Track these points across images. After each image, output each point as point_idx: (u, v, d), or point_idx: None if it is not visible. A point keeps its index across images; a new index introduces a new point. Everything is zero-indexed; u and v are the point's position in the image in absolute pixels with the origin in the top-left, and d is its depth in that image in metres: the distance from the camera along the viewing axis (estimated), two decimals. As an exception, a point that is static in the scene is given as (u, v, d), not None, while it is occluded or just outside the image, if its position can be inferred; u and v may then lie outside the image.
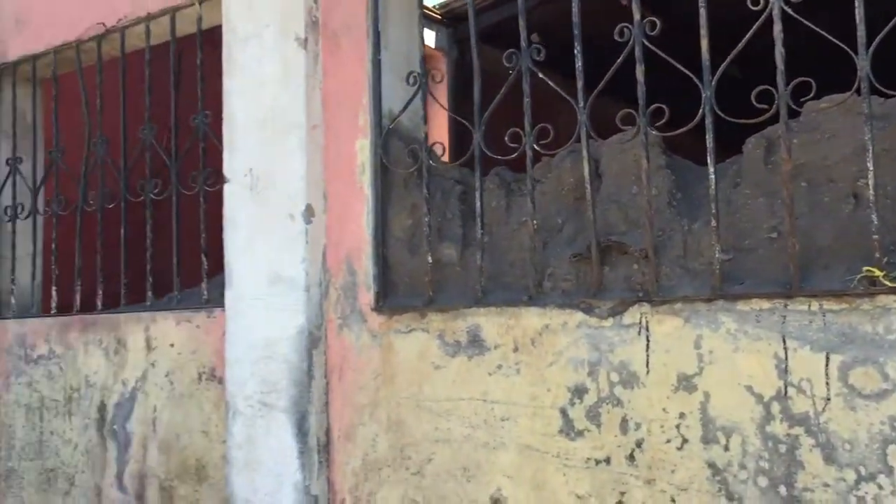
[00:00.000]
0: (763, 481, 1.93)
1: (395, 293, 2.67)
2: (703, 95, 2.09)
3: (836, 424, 1.84)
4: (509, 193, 2.55)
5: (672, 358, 2.06)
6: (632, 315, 2.14)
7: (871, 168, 1.85)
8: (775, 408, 1.92)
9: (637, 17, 2.21)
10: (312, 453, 2.68)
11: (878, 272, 1.80)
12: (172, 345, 3.14)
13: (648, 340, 2.10)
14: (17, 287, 3.74)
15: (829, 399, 1.85)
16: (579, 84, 2.31)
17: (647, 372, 2.10)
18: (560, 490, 2.22)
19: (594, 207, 2.27)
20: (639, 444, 2.10)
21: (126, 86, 3.40)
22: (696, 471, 2.02)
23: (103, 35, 3.45)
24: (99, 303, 3.42)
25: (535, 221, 2.38)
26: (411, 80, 2.66)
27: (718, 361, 2.00)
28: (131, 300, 3.40)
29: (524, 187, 2.50)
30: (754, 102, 1.99)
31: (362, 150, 2.73)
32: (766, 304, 1.94)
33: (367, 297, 2.68)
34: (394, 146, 2.72)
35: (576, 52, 2.32)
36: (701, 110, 2.09)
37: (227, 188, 2.94)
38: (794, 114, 2.01)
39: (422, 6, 2.74)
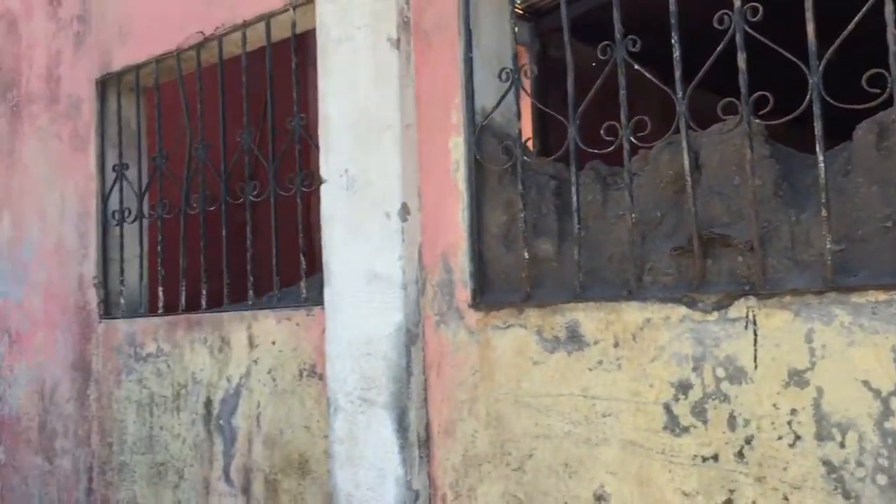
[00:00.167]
0: (882, 479, 1.86)
1: (491, 289, 2.68)
2: (811, 81, 2.03)
3: (962, 421, 1.76)
4: (605, 187, 2.53)
5: (782, 352, 2.01)
6: (738, 309, 2.09)
7: None
8: (895, 403, 1.84)
9: (738, 3, 2.16)
10: (413, 448, 2.72)
11: None
12: (274, 342, 3.23)
13: (756, 335, 2.05)
14: (125, 288, 3.90)
15: (953, 394, 1.78)
16: (677, 74, 2.27)
17: (756, 367, 2.05)
18: (666, 487, 2.19)
19: (695, 199, 2.23)
20: (748, 441, 2.06)
21: (224, 92, 3.51)
22: (810, 468, 1.96)
23: (202, 43, 3.57)
24: (203, 302, 3.54)
25: (633, 215, 2.35)
26: (503, 77, 2.66)
27: (832, 356, 1.94)
28: (233, 299, 3.51)
29: (620, 181, 2.48)
30: (865, 87, 1.92)
31: (456, 147, 2.74)
32: (882, 296, 1.87)
33: (463, 293, 2.69)
34: (487, 143, 2.72)
35: (673, 41, 2.28)
36: (808, 96, 2.02)
37: (323, 188, 3.00)
38: (906, 97, 1.93)
39: (513, 2, 2.73)
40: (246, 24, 3.40)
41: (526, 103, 3.08)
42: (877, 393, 1.87)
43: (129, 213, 3.88)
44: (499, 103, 2.68)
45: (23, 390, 4.37)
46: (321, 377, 3.03)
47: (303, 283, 3.22)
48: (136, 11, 3.90)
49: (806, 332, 1.98)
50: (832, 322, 1.94)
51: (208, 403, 3.44)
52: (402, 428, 2.74)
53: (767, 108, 2.09)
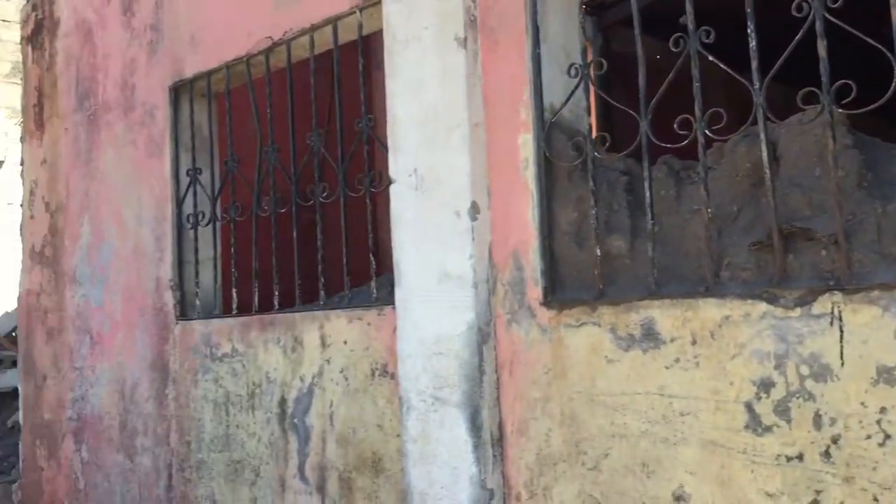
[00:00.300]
0: (980, 481, 1.79)
1: (563, 287, 2.66)
2: (896, 68, 1.95)
3: None
4: (679, 182, 2.49)
5: (870, 349, 1.95)
6: (822, 304, 2.03)
7: None
8: None
9: (817, -11, 2.09)
10: (486, 447, 2.72)
11: None
12: (345, 342, 3.26)
13: (842, 331, 1.99)
14: (200, 290, 4.00)
15: None
16: (754, 64, 2.22)
17: (842, 364, 1.99)
18: (748, 487, 2.14)
19: (774, 193, 2.17)
20: (835, 441, 1.99)
21: (293, 95, 3.56)
22: (901, 469, 1.90)
23: (271, 48, 3.62)
24: (276, 303, 3.60)
25: (709, 209, 2.30)
26: (572, 73, 2.63)
27: (923, 352, 1.87)
28: (305, 300, 3.56)
29: (695, 175, 2.43)
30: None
31: (525, 145, 2.73)
32: (977, 290, 1.80)
33: (535, 291, 2.68)
34: (557, 139, 2.70)
35: (749, 31, 2.22)
36: (894, 84, 1.95)
37: (392, 189, 3.02)
38: None
39: (581, -4, 2.70)
40: (313, 28, 3.44)
41: (591, 99, 3.05)
42: (973, 391, 1.80)
43: (203, 216, 3.97)
44: (568, 99, 2.65)
45: (104, 390, 4.51)
46: (393, 376, 3.05)
47: (373, 283, 3.24)
48: (207, 19, 3.98)
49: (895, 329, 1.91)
50: (923, 317, 1.87)
51: (282, 402, 3.49)
52: (475, 427, 2.74)
53: (851, 97, 2.03)
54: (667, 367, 2.32)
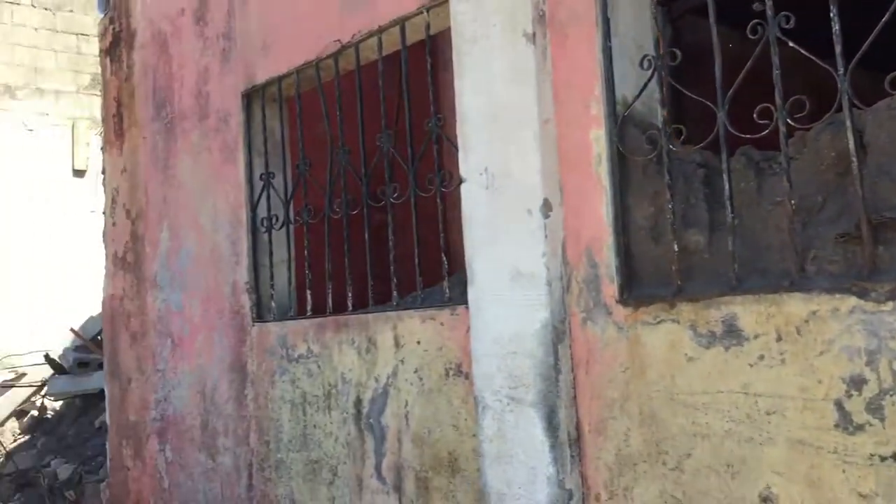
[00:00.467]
0: None
1: (639, 284, 2.61)
2: None
3: None
4: (759, 173, 2.41)
5: (970, 344, 1.85)
6: (916, 298, 1.94)
7: None
8: None
9: (904, -33, 2.00)
10: (564, 447, 2.68)
11: None
12: (419, 342, 3.26)
13: (939, 325, 1.90)
14: (276, 292, 4.06)
15: None
16: (838, 49, 2.13)
17: (939, 360, 1.89)
18: (839, 488, 2.06)
19: (862, 182, 2.08)
20: (933, 440, 1.90)
21: (362, 97, 3.58)
22: None
23: (339, 51, 3.65)
24: (349, 304, 3.63)
25: (792, 201, 2.22)
26: (645, 65, 2.58)
27: None
28: (378, 300, 3.57)
29: (776, 165, 2.35)
30: None
31: (597, 140, 2.68)
32: None
33: (610, 288, 2.63)
34: (630, 134, 2.65)
35: (832, 14, 2.14)
36: None
37: (463, 188, 3.01)
38: None
39: (654, -14, 2.64)
40: (381, 30, 3.46)
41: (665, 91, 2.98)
42: None
43: (277, 219, 4.03)
44: (641, 92, 2.60)
45: (186, 391, 4.63)
46: (467, 376, 3.04)
47: (445, 283, 3.24)
48: (277, 25, 4.04)
49: None
50: None
51: (358, 402, 3.52)
52: (551, 426, 2.70)
53: (943, 79, 1.93)
54: (751, 365, 2.25)
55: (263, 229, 4.10)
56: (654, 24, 2.59)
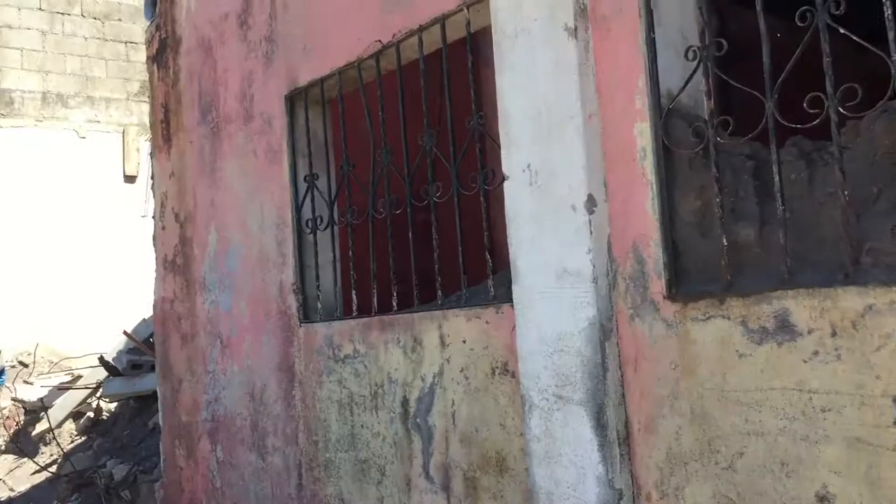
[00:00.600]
0: None
1: (687, 279, 2.56)
2: None
3: None
4: (810, 164, 2.34)
5: None
6: (979, 290, 1.87)
7: None
8: None
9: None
10: (613, 446, 2.64)
11: None
12: (465, 341, 3.25)
13: None
14: (321, 293, 4.08)
15: None
16: (890, 35, 2.06)
17: None
18: (900, 488, 1.99)
19: (919, 171, 2.01)
20: None
21: (404, 96, 3.58)
22: None
23: (380, 51, 3.66)
24: (394, 303, 3.63)
25: (845, 192, 2.16)
26: (690, 55, 2.53)
27: None
28: (422, 300, 3.57)
29: (827, 156, 2.28)
30: None
31: (642, 134, 2.64)
32: None
33: (658, 285, 2.58)
34: (675, 126, 2.60)
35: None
36: None
37: (506, 185, 2.99)
38: None
39: (697, -25, 2.59)
40: (421, 29, 3.45)
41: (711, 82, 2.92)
42: None
43: (321, 220, 4.05)
44: (686, 83, 2.55)
45: (235, 392, 4.68)
46: (513, 375, 3.02)
47: (490, 281, 3.22)
48: (319, 27, 4.06)
49: None
50: None
51: (405, 402, 3.52)
52: (600, 425, 2.67)
53: None
54: (804, 361, 2.19)
55: (308, 230, 4.12)
56: (698, 14, 2.54)
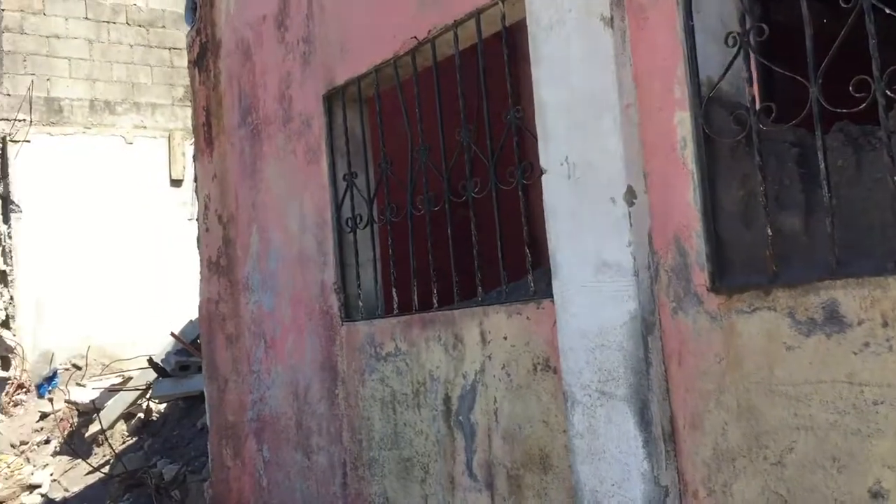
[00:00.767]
0: None
1: (731, 271, 2.50)
2: None
3: None
4: (857, 150, 2.27)
5: None
6: None
7: None
8: None
9: None
10: (658, 442, 2.60)
11: None
12: (505, 337, 3.22)
13: None
14: (362, 291, 4.08)
15: None
16: (940, 12, 1.99)
17: None
18: (958, 484, 1.92)
19: (973, 153, 1.93)
20: None
21: (440, 92, 3.56)
22: None
23: (416, 48, 3.64)
24: (435, 301, 3.61)
25: (894, 178, 2.08)
26: (730, 42, 2.47)
27: None
28: (462, 296, 3.55)
29: (875, 141, 2.21)
30: None
31: (681, 123, 2.58)
32: None
33: (700, 277, 2.53)
34: (716, 115, 2.54)
35: (933, -25, 1.99)
36: None
37: (544, 179, 2.95)
38: None
39: (735, -40, 2.52)
40: (456, 24, 3.43)
41: (753, 68, 2.85)
42: None
43: (361, 219, 4.05)
44: (727, 71, 2.49)
45: (280, 391, 4.71)
46: (555, 371, 2.98)
47: (530, 277, 3.19)
48: (354, 26, 4.06)
49: None
50: None
51: (447, 400, 3.50)
52: (644, 421, 2.62)
53: None
54: (855, 353, 2.12)
55: (348, 229, 4.13)
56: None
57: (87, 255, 11.41)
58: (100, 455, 7.97)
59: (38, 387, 10.54)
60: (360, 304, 4.08)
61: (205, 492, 5.72)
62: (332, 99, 4.25)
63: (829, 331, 2.18)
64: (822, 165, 2.24)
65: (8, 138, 11.37)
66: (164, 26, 13.01)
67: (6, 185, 11.31)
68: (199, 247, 5.77)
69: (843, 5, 2.16)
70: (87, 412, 8.64)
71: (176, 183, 12.54)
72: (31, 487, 7.88)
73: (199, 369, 6.90)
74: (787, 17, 2.34)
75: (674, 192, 2.60)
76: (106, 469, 7.52)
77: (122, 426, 8.26)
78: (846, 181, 2.24)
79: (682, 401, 2.59)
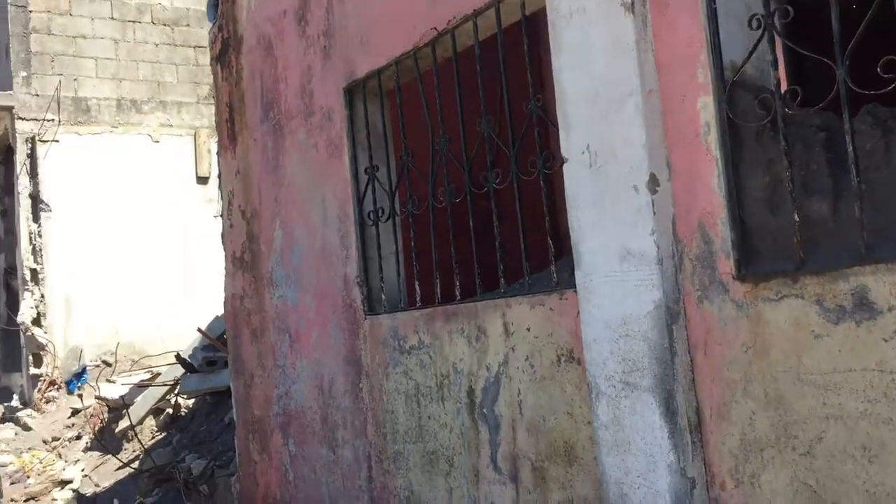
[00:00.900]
0: None
1: (757, 258, 2.45)
2: None
3: None
4: (886, 132, 2.21)
5: None
6: None
7: None
8: None
9: None
10: (684, 433, 2.56)
11: None
12: (529, 329, 3.19)
13: None
14: (385, 284, 4.07)
15: None
16: (971, -12, 1.93)
17: None
18: None
19: None
20: None
21: (460, 83, 3.53)
22: None
23: (436, 39, 3.62)
24: (457, 293, 3.59)
25: (925, 160, 2.03)
26: (754, 24, 2.41)
27: None
28: (485, 288, 3.52)
29: (906, 122, 2.15)
30: None
31: (705, 108, 2.53)
32: None
33: (726, 265, 2.48)
34: (740, 99, 2.49)
35: (963, -51, 1.93)
36: None
37: (566, 168, 2.92)
38: None
39: (758, -60, 2.47)
40: (476, 14, 3.40)
41: (778, 51, 2.80)
42: None
43: (383, 212, 4.04)
44: (751, 54, 2.43)
45: (305, 385, 4.72)
46: (579, 362, 2.95)
47: (553, 267, 3.15)
48: (374, 18, 4.04)
49: None
50: None
51: (470, 392, 3.48)
52: (669, 412, 2.58)
53: None
54: (885, 340, 2.07)
55: (371, 222, 4.12)
56: (761, -20, 2.42)
57: (116, 253, 11.53)
58: (129, 450, 8.06)
59: (68, 383, 10.68)
60: (383, 297, 4.07)
61: (232, 486, 5.75)
62: (353, 92, 4.24)
63: (859, 318, 2.13)
64: (850, 149, 2.19)
65: (37, 138, 11.51)
66: (188, 25, 13.10)
67: (36, 185, 11.45)
68: (223, 243, 5.79)
69: (871, -17, 2.10)
70: (117, 408, 8.73)
71: (202, 180, 12.63)
72: (63, 483, 7.98)
73: (226, 364, 6.94)
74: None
75: (698, 179, 2.55)
76: (135, 464, 7.59)
77: (150, 422, 8.34)
78: (875, 165, 2.19)
79: (709, 391, 2.55)
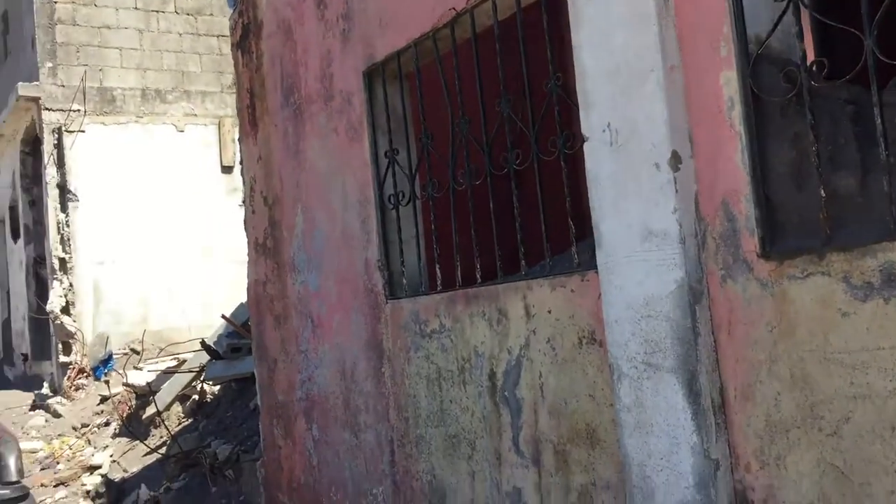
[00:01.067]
0: None
1: (782, 235, 2.40)
2: None
3: None
4: (917, 104, 2.15)
5: None
6: None
7: None
8: None
9: None
10: (707, 414, 2.51)
11: None
12: (550, 311, 3.16)
13: None
14: (406, 268, 4.05)
15: None
16: None
17: None
18: None
19: None
20: None
21: (480, 64, 3.49)
22: None
23: (455, 19, 3.57)
24: (478, 276, 3.56)
25: (957, 131, 1.96)
26: (779, -5, 2.35)
27: None
28: (506, 270, 3.49)
29: (936, 94, 2.09)
30: None
31: (728, 83, 2.48)
32: None
33: (750, 242, 2.43)
34: (765, 73, 2.43)
35: None
36: None
37: (586, 147, 2.87)
38: None
39: None
40: (495, -8, 3.35)
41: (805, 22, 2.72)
42: None
43: (403, 195, 4.01)
44: (775, 26, 2.37)
45: (328, 370, 4.72)
46: (601, 343, 2.91)
47: (574, 248, 3.11)
48: (392, 1, 4.00)
49: None
50: None
51: (492, 375, 3.46)
52: (692, 393, 2.54)
53: None
54: (915, 317, 2.02)
55: (391, 206, 4.09)
56: (786, -51, 2.36)
57: (142, 242, 11.64)
58: (156, 436, 8.14)
59: (94, 369, 10.81)
60: (404, 281, 4.05)
61: (257, 471, 5.78)
62: (373, 75, 4.21)
63: (888, 295, 2.07)
64: (879, 122, 2.12)
65: (64, 128, 11.63)
66: (211, 14, 13.14)
67: (63, 175, 11.58)
68: (246, 229, 5.81)
69: (900, -50, 2.04)
70: (144, 395, 8.82)
71: (227, 170, 12.70)
72: (92, 468, 8.09)
73: (250, 351, 6.97)
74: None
75: (721, 156, 2.50)
76: (163, 450, 7.67)
77: (177, 408, 8.41)
78: (905, 137, 2.13)
79: (732, 371, 2.50)
